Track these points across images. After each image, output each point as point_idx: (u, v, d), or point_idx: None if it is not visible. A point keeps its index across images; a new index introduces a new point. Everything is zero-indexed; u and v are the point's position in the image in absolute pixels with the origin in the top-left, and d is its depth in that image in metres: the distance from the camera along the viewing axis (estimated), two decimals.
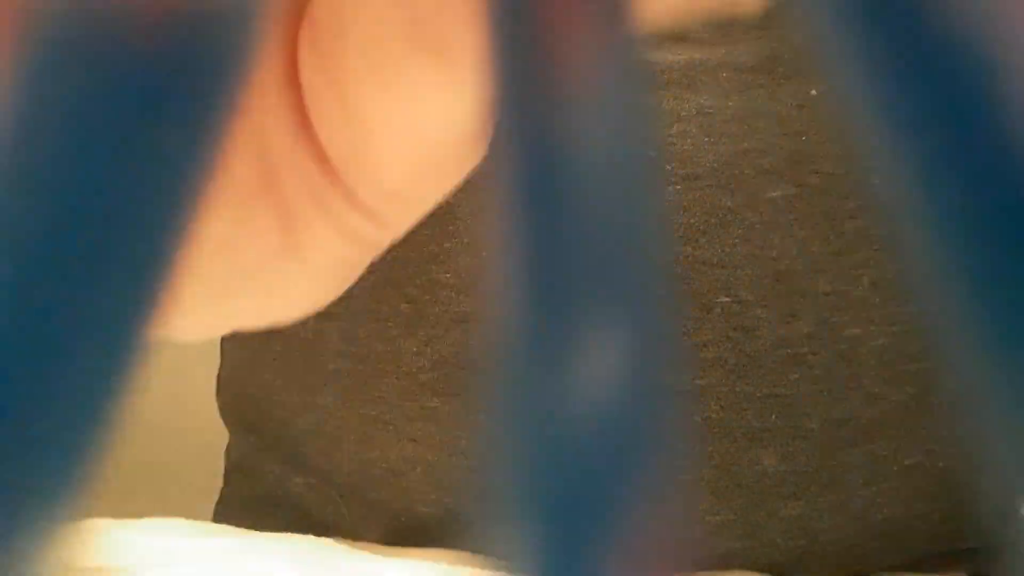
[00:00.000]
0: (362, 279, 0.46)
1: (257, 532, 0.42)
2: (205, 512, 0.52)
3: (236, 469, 0.50)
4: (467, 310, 0.40)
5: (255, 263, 0.16)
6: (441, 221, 0.41)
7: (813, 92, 0.41)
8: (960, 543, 0.43)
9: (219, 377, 0.50)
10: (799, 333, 0.39)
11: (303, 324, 0.43)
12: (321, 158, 0.16)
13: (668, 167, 0.39)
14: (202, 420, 0.80)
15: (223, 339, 0.50)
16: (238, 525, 0.46)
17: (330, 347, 0.42)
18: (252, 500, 0.48)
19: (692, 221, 0.39)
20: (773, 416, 0.39)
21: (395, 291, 0.41)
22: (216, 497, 0.53)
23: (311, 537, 0.41)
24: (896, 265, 0.41)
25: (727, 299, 0.39)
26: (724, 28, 0.42)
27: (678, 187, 0.39)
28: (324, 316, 0.42)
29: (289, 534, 0.41)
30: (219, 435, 0.53)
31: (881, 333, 0.40)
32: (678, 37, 0.41)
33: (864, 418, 0.39)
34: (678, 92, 0.40)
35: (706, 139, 0.40)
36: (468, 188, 0.45)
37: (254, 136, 0.15)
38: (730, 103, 0.40)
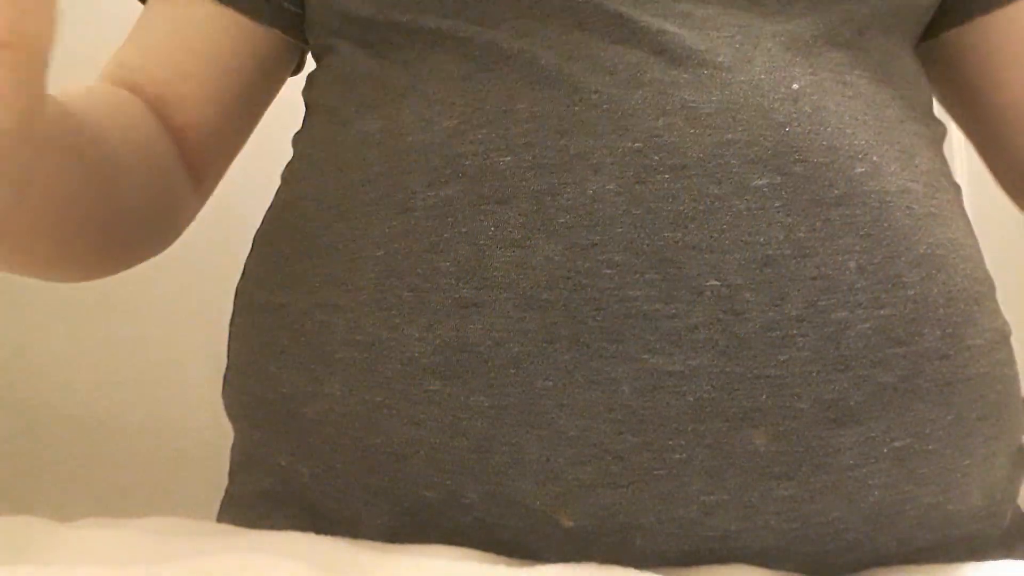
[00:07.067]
0: (367, 271, 0.47)
1: (258, 531, 0.42)
2: (206, 512, 0.52)
3: (242, 466, 0.50)
4: (467, 296, 0.40)
5: None
6: (441, 213, 0.41)
7: (795, 86, 0.42)
8: (952, 529, 0.44)
9: (225, 376, 0.51)
10: (787, 316, 0.39)
11: (310, 317, 0.44)
12: None
13: (655, 158, 0.40)
14: (204, 421, 0.80)
15: (230, 338, 0.50)
16: (244, 522, 0.46)
17: (337, 337, 0.43)
18: (258, 496, 0.48)
19: (680, 208, 0.40)
20: (764, 396, 0.39)
21: (398, 280, 0.41)
22: (217, 497, 0.53)
23: (312, 535, 0.41)
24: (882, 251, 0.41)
25: (716, 283, 0.39)
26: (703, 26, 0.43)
27: (666, 176, 0.40)
28: (331, 308, 0.43)
29: (291, 532, 0.41)
30: (220, 436, 0.54)
31: (868, 317, 0.40)
32: (659, 32, 0.42)
33: (853, 400, 0.40)
34: (661, 88, 0.41)
35: (692, 131, 0.41)
36: (463, 182, 0.46)
37: None
38: (712, 97, 0.41)
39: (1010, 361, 0.46)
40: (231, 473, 0.52)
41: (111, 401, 0.82)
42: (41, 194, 0.41)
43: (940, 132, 0.49)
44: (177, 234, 0.56)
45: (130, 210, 0.49)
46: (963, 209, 0.48)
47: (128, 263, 0.53)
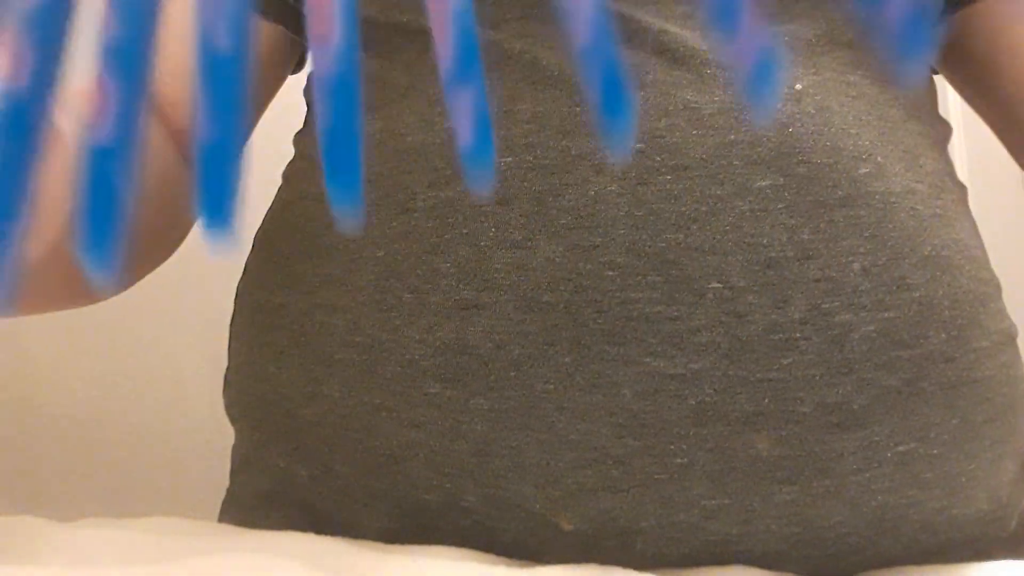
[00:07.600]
0: (367, 272, 0.47)
1: (258, 531, 0.42)
2: (206, 512, 0.52)
3: (241, 467, 0.50)
4: (467, 298, 0.40)
5: None
6: (441, 214, 0.41)
7: (798, 87, 0.42)
8: (957, 534, 0.43)
9: (226, 376, 0.50)
10: (790, 319, 0.39)
11: (310, 318, 0.43)
12: None
13: (658, 159, 0.40)
14: (204, 421, 0.80)
15: (230, 338, 0.50)
16: (244, 522, 0.46)
17: (336, 338, 0.42)
18: (258, 497, 0.48)
19: (683, 209, 0.39)
20: (766, 400, 0.39)
21: (398, 282, 0.41)
22: (217, 497, 0.53)
23: (312, 535, 0.41)
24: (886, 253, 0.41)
25: (719, 285, 0.39)
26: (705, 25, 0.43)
27: (668, 177, 0.40)
28: (331, 309, 0.43)
29: (291, 532, 0.41)
30: (220, 436, 0.54)
31: (872, 319, 0.40)
32: (660, 32, 0.42)
33: (856, 403, 0.39)
34: (663, 88, 0.41)
35: (694, 132, 0.40)
36: (464, 183, 0.46)
37: None
38: (715, 98, 0.41)
39: (1016, 363, 0.45)
40: (232, 473, 0.52)
41: (111, 401, 0.82)
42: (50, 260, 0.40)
43: (945, 132, 0.49)
44: (182, 239, 0.55)
45: (139, 233, 0.49)
46: (968, 209, 0.47)
47: (136, 280, 0.52)
